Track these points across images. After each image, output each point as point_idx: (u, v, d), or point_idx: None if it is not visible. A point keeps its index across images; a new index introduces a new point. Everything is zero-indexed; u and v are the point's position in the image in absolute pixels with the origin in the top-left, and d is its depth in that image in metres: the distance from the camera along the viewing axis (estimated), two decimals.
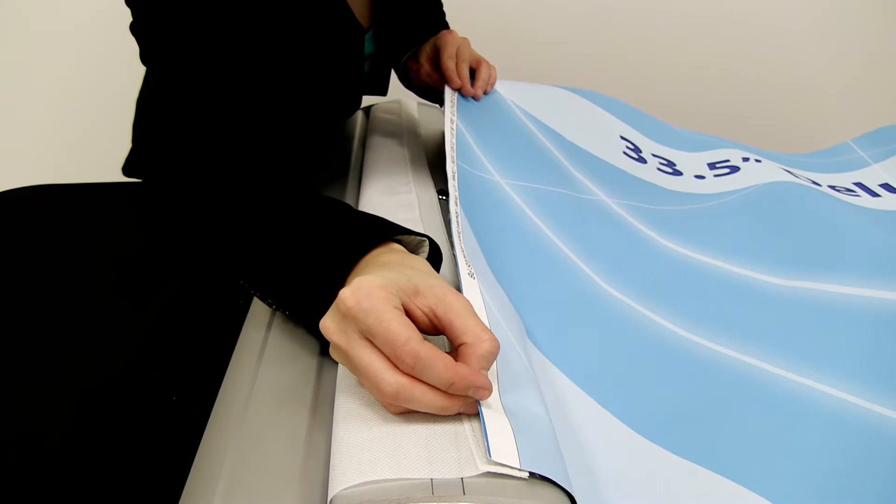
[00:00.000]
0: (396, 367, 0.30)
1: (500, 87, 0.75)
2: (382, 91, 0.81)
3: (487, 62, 0.74)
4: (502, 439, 0.30)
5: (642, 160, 0.76)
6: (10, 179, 0.78)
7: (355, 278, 0.32)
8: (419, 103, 0.92)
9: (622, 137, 0.78)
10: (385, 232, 0.39)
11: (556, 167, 0.67)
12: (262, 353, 0.42)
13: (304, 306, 0.40)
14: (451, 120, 0.61)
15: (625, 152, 0.76)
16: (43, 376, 0.52)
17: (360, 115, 0.88)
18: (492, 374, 0.34)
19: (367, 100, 0.92)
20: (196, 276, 0.62)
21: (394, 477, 0.29)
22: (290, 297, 0.41)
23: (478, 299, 0.39)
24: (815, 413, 0.43)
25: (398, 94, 0.90)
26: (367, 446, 0.31)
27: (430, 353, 0.29)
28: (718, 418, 0.43)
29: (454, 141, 0.57)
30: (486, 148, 0.62)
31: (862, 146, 0.83)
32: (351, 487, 0.29)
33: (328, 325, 0.32)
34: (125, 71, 0.53)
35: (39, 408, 0.49)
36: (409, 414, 0.32)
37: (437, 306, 0.32)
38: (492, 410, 0.32)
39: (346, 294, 0.31)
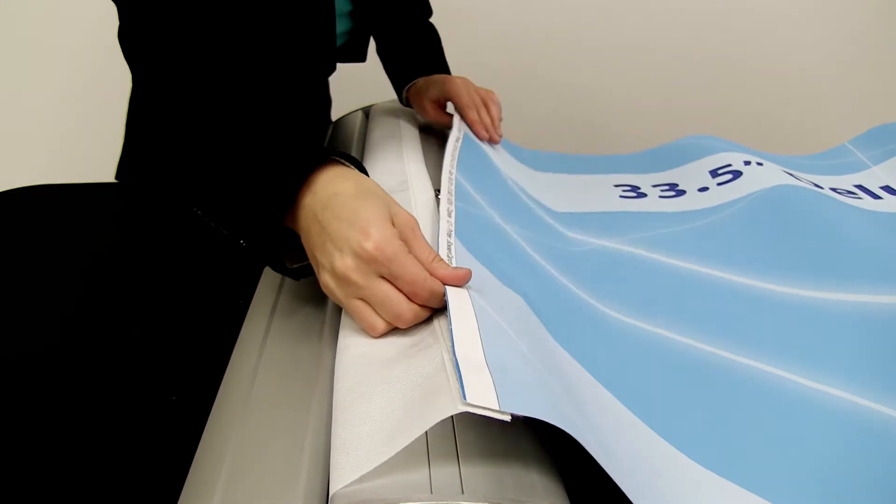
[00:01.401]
0: (411, 298, 0.39)
1: (496, 157, 0.76)
2: (361, 57, 0.82)
3: (492, 97, 0.78)
4: (478, 381, 0.30)
5: (642, 195, 0.76)
6: (10, 179, 0.78)
7: (370, 227, 0.38)
8: None
9: (615, 185, 0.79)
10: (321, 155, 0.43)
11: (550, 229, 0.68)
12: (262, 353, 0.42)
13: (259, 234, 0.44)
14: (451, 172, 0.62)
15: (621, 195, 0.76)
16: (42, 376, 0.52)
17: (359, 115, 0.88)
18: (473, 331, 0.36)
19: (366, 99, 0.92)
20: (195, 275, 0.62)
21: (389, 461, 0.29)
22: (243, 224, 0.44)
23: (466, 302, 0.39)
24: (817, 414, 0.43)
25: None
26: (363, 441, 0.31)
27: (439, 287, 0.39)
28: (717, 419, 0.43)
29: (452, 187, 0.58)
30: (484, 197, 0.63)
31: (859, 148, 0.83)
32: (350, 485, 0.29)
33: (348, 263, 0.38)
34: (125, 70, 0.53)
35: (39, 407, 0.50)
36: (403, 400, 0.33)
37: (402, 230, 0.41)
38: (468, 355, 0.32)
39: (368, 244, 0.38)
